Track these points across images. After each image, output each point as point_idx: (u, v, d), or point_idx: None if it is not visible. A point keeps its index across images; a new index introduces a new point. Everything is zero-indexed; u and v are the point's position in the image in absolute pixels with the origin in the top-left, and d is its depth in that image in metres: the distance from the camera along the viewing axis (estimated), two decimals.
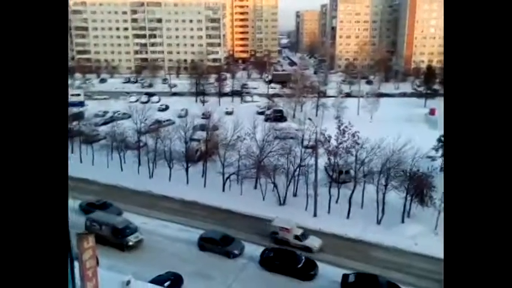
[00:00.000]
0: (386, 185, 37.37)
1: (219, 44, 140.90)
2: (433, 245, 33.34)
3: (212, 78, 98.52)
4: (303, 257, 30.58)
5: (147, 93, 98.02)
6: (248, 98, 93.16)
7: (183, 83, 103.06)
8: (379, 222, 37.15)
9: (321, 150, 41.15)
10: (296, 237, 33.46)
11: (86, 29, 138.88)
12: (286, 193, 41.02)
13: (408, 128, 51.40)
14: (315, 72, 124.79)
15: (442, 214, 35.18)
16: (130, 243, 32.54)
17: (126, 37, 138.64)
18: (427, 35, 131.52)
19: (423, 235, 35.07)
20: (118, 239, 32.45)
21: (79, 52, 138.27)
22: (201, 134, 52.46)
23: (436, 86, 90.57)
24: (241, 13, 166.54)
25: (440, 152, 45.31)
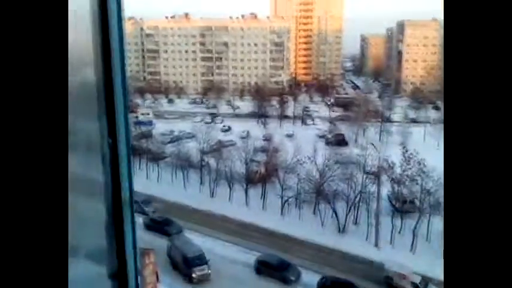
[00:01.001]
0: None
1: (282, 67, 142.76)
2: None
3: (274, 100, 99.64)
4: None
5: (211, 114, 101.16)
6: (309, 121, 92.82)
7: (246, 105, 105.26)
8: None
9: (383, 178, 39.89)
10: (414, 285, 30.89)
11: (157, 51, 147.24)
12: (346, 220, 40.01)
13: None
14: (379, 97, 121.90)
15: None
16: (194, 275, 31.37)
17: (194, 59, 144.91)
18: None
19: None
20: (185, 268, 31.97)
21: (150, 73, 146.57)
22: (261, 156, 53.00)
23: None
24: (305, 37, 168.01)
25: None
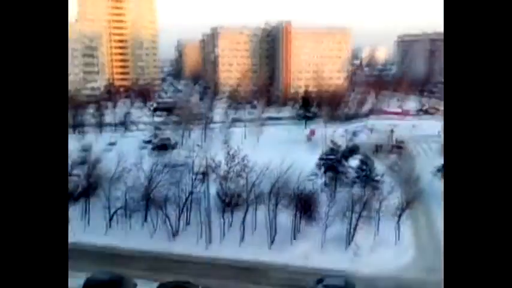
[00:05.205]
0: (276, 206, 38.56)
1: (97, 72, 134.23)
2: (322, 259, 35.23)
3: (91, 108, 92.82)
4: None
5: None
6: (133, 128, 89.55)
7: None
8: (272, 242, 37.97)
9: (212, 176, 41.03)
10: None
11: None
12: (178, 223, 39.77)
13: (292, 149, 54.15)
14: (201, 99, 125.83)
15: (328, 229, 37.43)
16: None
17: None
18: (301, 67, 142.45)
19: (313, 250, 36.77)
20: None
21: None
22: (81, 169, 48.61)
23: (313, 109, 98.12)
24: (120, 41, 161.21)
25: (322, 170, 48.53)
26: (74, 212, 42.58)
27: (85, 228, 40.55)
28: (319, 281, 30.31)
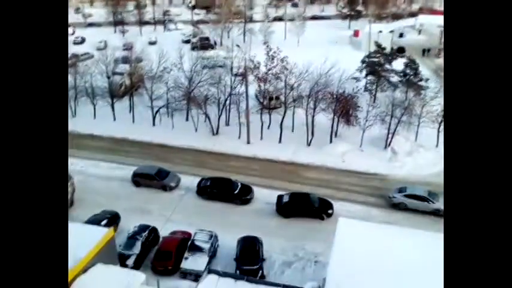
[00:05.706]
0: (314, 108, 38.45)
1: None
2: (358, 161, 35.84)
3: (130, 5, 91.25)
4: (239, 183, 31.42)
5: None
6: (172, 26, 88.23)
7: (99, 12, 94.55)
8: (309, 143, 38.68)
9: (250, 77, 40.82)
10: None
11: None
12: (218, 123, 40.87)
13: (334, 51, 52.07)
14: None
15: (367, 132, 37.40)
16: None
17: None
18: None
19: (349, 152, 37.30)
20: None
21: None
22: (124, 67, 49.53)
23: (359, 8, 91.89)
24: None
25: (364, 72, 46.97)
26: (121, 109, 44.54)
27: (130, 125, 42.66)
28: (401, 189, 30.96)
